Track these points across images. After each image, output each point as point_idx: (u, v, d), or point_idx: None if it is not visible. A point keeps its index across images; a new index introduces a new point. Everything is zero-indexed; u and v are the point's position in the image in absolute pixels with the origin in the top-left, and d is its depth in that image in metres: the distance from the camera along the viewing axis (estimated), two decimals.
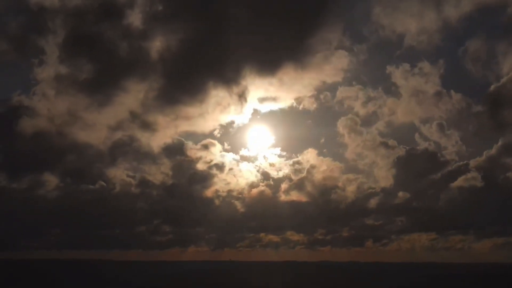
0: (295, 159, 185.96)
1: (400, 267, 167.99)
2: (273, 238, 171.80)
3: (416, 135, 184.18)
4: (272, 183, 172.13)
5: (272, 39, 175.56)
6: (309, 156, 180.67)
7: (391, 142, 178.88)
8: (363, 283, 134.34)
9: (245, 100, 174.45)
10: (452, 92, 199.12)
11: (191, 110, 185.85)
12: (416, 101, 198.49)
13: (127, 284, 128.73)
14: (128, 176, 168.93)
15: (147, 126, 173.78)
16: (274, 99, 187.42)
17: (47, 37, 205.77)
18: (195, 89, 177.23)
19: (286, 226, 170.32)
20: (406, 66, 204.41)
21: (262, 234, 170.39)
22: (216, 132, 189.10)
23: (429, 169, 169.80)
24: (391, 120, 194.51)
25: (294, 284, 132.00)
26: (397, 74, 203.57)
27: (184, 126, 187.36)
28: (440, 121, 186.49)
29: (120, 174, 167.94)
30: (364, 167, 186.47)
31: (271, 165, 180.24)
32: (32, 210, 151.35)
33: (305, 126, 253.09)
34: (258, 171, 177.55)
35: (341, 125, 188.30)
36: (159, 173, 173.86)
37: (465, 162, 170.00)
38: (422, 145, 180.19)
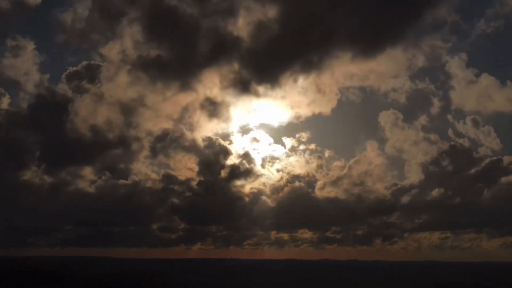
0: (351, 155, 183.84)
1: (401, 265, 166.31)
2: (283, 236, 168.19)
3: (450, 131, 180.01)
4: (307, 179, 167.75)
5: (372, 22, 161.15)
6: (370, 148, 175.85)
7: (433, 137, 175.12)
8: (360, 282, 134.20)
9: (328, 90, 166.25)
10: (509, 82, 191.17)
11: (268, 101, 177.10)
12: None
13: (128, 283, 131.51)
14: (153, 171, 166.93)
15: (214, 117, 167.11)
16: (362, 89, 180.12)
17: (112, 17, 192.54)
18: (275, 79, 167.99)
19: (300, 224, 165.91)
20: None
21: (273, 232, 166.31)
22: (285, 125, 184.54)
23: (462, 167, 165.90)
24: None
25: (290, 281, 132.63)
26: None
27: (258, 119, 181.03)
28: (478, 116, 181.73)
29: (144, 169, 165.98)
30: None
31: (303, 160, 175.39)
32: (47, 207, 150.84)
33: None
34: (302, 165, 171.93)
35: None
36: (185, 168, 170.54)
37: (498, 157, 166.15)
38: (456, 141, 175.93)
